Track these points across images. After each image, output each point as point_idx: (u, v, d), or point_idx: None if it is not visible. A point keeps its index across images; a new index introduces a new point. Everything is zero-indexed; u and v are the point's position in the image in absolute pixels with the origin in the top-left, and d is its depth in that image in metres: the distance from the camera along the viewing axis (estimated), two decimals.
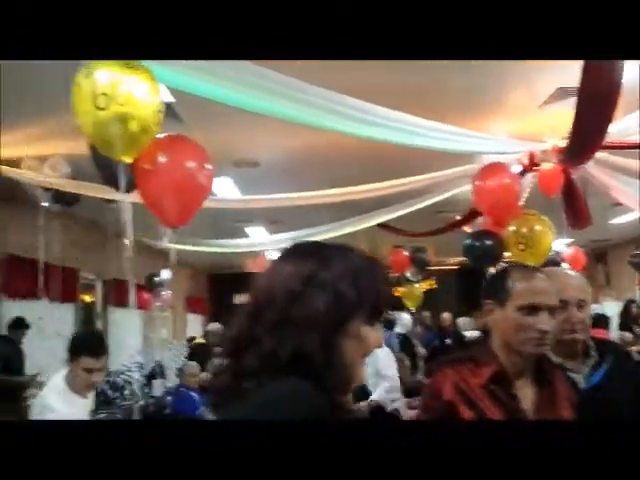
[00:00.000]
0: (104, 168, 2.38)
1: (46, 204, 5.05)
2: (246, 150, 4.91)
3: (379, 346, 0.90)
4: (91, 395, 2.50)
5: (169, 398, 5.79)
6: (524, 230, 3.94)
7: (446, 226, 6.35)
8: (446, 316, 7.49)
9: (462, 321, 6.80)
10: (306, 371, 0.79)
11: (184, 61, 1.91)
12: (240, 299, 12.50)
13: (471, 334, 6.14)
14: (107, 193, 4.82)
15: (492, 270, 4.08)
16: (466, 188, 5.30)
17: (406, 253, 6.87)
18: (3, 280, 5.31)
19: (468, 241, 4.53)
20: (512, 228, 4.01)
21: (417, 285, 7.08)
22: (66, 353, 2.34)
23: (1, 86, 3.43)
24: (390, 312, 6.26)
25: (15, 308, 5.39)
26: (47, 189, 4.85)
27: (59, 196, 5.01)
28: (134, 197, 4.83)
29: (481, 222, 5.93)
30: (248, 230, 7.91)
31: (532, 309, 1.42)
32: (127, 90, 1.63)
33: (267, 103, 2.22)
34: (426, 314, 8.06)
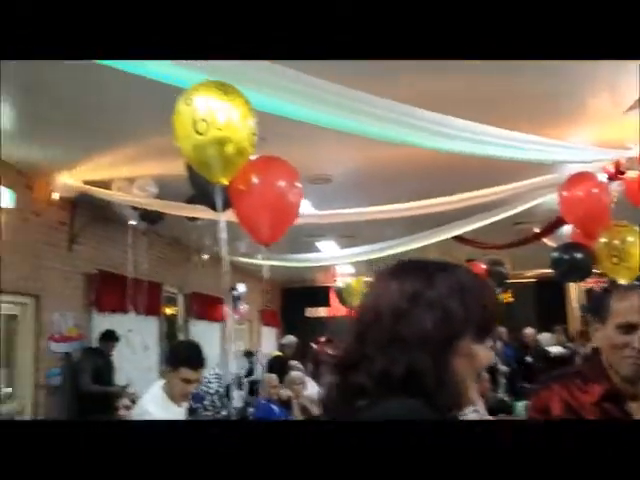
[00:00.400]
0: (200, 189, 2.53)
1: (134, 222, 5.37)
2: (319, 166, 5.02)
3: (489, 363, 0.90)
4: (185, 404, 2.61)
5: (250, 410, 5.94)
6: (616, 242, 3.76)
7: (526, 238, 6.19)
8: (529, 332, 7.15)
9: (544, 337, 6.54)
10: (417, 390, 0.80)
11: (270, 84, 2.03)
12: (312, 312, 12.68)
13: (556, 350, 5.90)
14: (190, 212, 5.08)
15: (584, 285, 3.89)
16: (545, 199, 5.16)
17: (483, 266, 6.72)
18: (95, 295, 5.66)
19: (556, 254, 4.36)
20: (603, 240, 3.83)
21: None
22: (166, 363, 2.50)
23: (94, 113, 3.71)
24: None
25: (105, 321, 5.73)
26: (135, 208, 5.16)
27: (145, 215, 5.32)
28: (216, 215, 5.05)
29: (565, 234, 5.74)
30: (320, 245, 8.03)
31: (629, 327, 1.40)
32: (225, 116, 1.74)
33: (347, 120, 2.29)
34: (502, 329, 7.82)
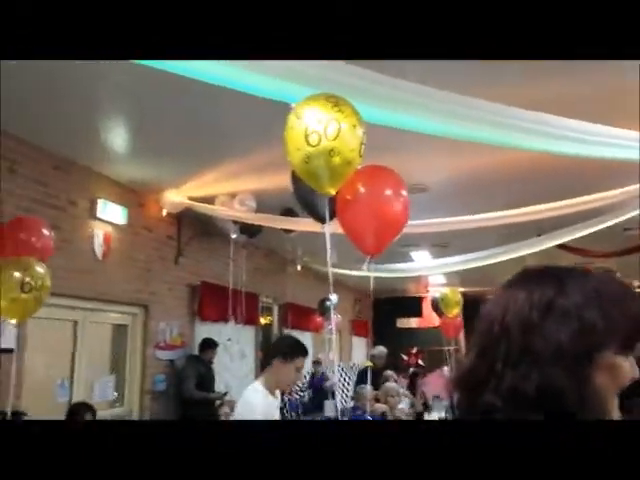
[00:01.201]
0: (305, 200, 2.59)
1: (234, 236, 5.59)
2: (415, 176, 4.98)
3: (634, 378, 0.82)
4: (278, 395, 3.01)
5: (344, 419, 5.95)
6: None
7: (637, 246, 5.77)
8: None
9: None
10: (554, 408, 0.75)
11: (378, 95, 2.04)
12: (403, 322, 12.54)
13: None
14: (287, 224, 5.22)
15: None
16: None
17: None
18: (198, 305, 5.93)
19: None
20: None
21: None
22: (282, 356, 2.85)
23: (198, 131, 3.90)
24: None
25: (206, 330, 5.98)
26: (235, 222, 5.37)
27: (245, 228, 5.53)
28: (308, 226, 5.14)
29: None
30: (414, 254, 7.93)
31: None
32: (334, 127, 1.78)
33: (456, 127, 2.26)
34: None
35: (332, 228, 5.28)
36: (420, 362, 12.09)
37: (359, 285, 11.35)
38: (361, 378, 6.44)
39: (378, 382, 5.90)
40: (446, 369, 11.09)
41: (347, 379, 8.44)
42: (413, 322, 12.44)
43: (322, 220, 2.23)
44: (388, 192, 2.36)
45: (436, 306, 7.58)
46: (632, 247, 5.88)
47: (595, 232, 5.37)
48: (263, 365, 3.45)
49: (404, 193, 2.38)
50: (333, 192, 1.98)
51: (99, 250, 4.57)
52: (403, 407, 5.23)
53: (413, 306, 12.20)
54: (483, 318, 0.87)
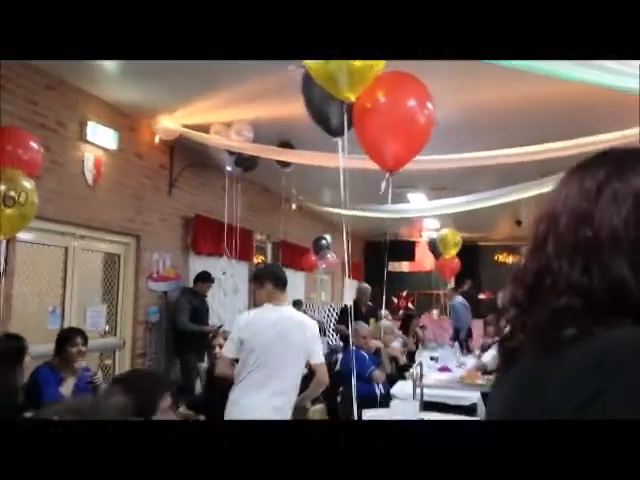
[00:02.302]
0: (317, 109, 2.37)
1: (229, 168, 5.41)
2: None
3: None
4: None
5: (339, 355, 5.99)
6: None
7: None
8: None
9: None
10: (623, 303, 0.65)
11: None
12: (394, 266, 12.56)
13: None
14: (285, 156, 5.04)
15: None
16: None
17: None
18: (192, 238, 5.81)
19: None
20: None
21: None
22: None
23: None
24: None
25: (200, 264, 5.88)
26: (231, 153, 5.18)
27: (240, 161, 5.34)
28: (307, 159, 4.96)
29: None
30: (410, 196, 7.81)
31: None
32: None
33: None
34: None
35: (332, 161, 5.11)
36: (410, 305, 12.22)
37: (353, 227, 11.28)
38: (343, 316, 6.36)
39: (361, 319, 5.82)
40: (435, 312, 11.25)
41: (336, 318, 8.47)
42: (405, 266, 12.47)
43: (335, 132, 2.05)
44: (412, 102, 2.13)
45: (434, 247, 7.52)
46: None
47: None
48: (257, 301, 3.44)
49: (429, 105, 2.16)
50: (352, 98, 1.80)
51: (89, 175, 4.40)
52: (396, 345, 5.24)
53: (406, 250, 12.19)
54: (535, 216, 0.78)
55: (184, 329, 5.24)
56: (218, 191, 5.99)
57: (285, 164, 5.40)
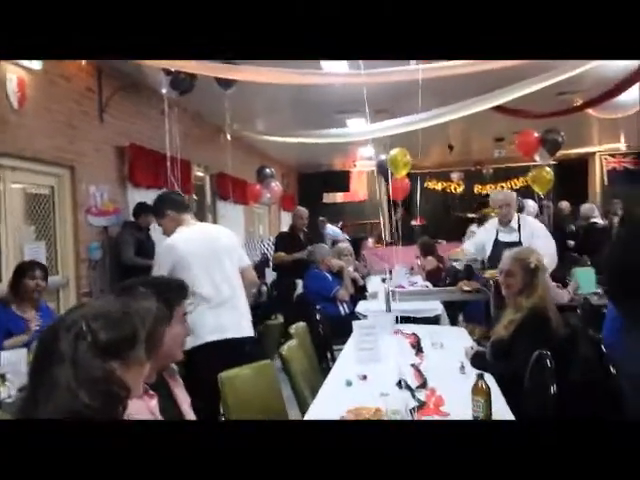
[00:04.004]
0: None
1: (164, 90, 5.03)
2: None
3: None
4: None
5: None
6: None
7: (574, 107, 5.87)
8: (565, 205, 7.03)
9: (586, 208, 6.42)
10: None
11: None
12: (329, 197, 12.56)
13: (600, 221, 5.82)
14: (227, 72, 4.71)
15: None
16: (591, 65, 4.80)
17: (536, 135, 6.44)
18: (128, 169, 5.43)
19: None
20: None
21: (548, 169, 6.70)
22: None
23: None
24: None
25: (140, 197, 5.53)
26: (168, 73, 4.81)
27: (176, 82, 4.97)
28: (252, 75, 4.68)
29: (620, 105, 5.43)
30: (349, 122, 7.68)
31: None
32: None
33: None
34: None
35: (279, 78, 4.84)
36: (345, 236, 12.35)
37: (286, 158, 11.07)
38: (280, 243, 6.25)
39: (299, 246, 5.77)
40: (371, 241, 11.45)
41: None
42: (339, 197, 12.50)
43: None
44: None
45: (383, 170, 7.50)
46: (569, 108, 5.98)
47: (530, 96, 5.37)
48: None
49: None
50: None
51: (14, 97, 3.94)
52: (350, 268, 5.26)
53: (340, 181, 12.19)
54: None
55: (132, 264, 4.97)
56: (153, 118, 5.60)
57: (227, 84, 5.09)
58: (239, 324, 3.03)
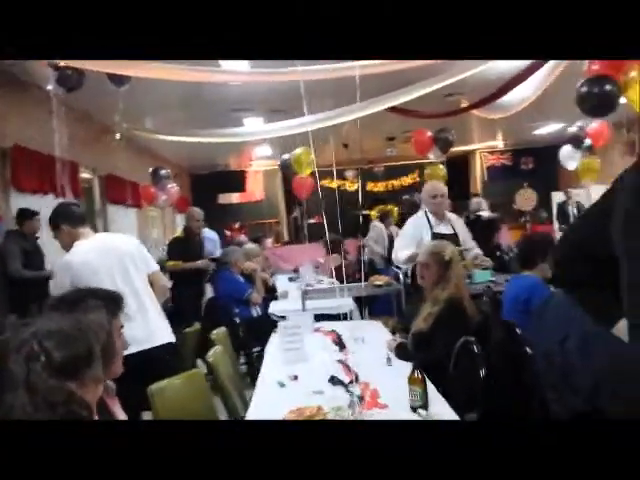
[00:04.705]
0: None
1: (50, 87, 4.66)
2: None
3: None
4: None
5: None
6: None
7: (463, 108, 6.24)
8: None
9: (475, 202, 6.86)
10: None
11: None
12: (224, 198, 12.32)
13: (487, 214, 6.24)
14: (125, 68, 4.46)
15: None
16: (478, 69, 5.17)
17: (429, 134, 6.75)
18: (11, 173, 4.95)
19: (584, 88, 4.09)
20: (633, 74, 3.74)
21: (441, 166, 7.04)
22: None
23: None
24: None
25: (25, 203, 5.06)
26: (57, 68, 4.45)
27: (63, 78, 4.62)
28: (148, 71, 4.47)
29: (504, 106, 5.86)
30: (246, 121, 7.60)
31: None
32: None
33: None
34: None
35: (179, 75, 4.67)
36: (243, 237, 12.20)
37: (179, 158, 10.70)
38: (173, 249, 5.81)
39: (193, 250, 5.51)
40: (269, 241, 11.41)
41: None
42: (235, 197, 12.32)
43: None
44: None
45: (286, 168, 7.46)
46: (458, 109, 6.35)
47: (419, 98, 5.65)
48: None
49: None
50: None
51: None
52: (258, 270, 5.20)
53: (236, 181, 12.02)
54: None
55: (20, 277, 4.54)
56: (37, 117, 5.15)
57: (120, 81, 4.81)
58: (153, 334, 2.90)
